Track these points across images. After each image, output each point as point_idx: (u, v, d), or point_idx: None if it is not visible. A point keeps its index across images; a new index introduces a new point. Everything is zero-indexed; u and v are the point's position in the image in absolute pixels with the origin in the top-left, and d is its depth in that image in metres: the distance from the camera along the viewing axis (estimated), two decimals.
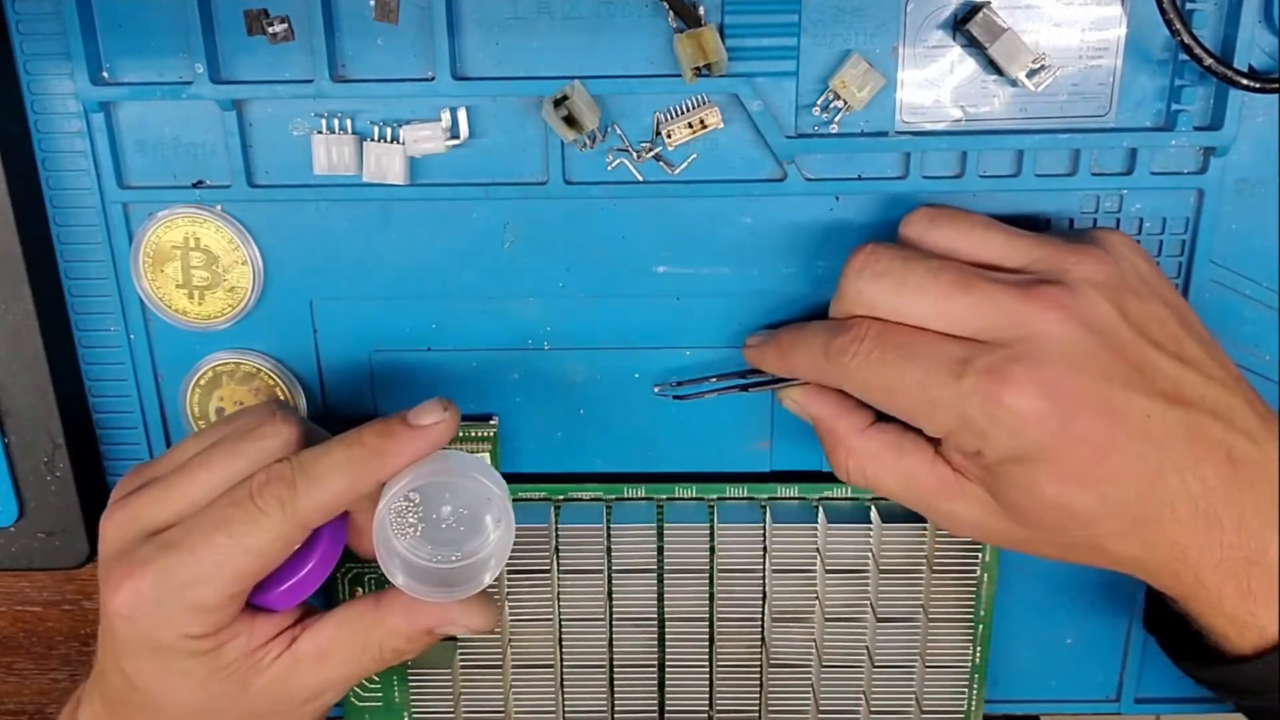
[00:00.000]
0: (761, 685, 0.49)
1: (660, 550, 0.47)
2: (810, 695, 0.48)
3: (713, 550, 0.47)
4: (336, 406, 0.47)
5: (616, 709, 0.49)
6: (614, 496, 0.48)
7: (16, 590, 0.56)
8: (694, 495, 0.48)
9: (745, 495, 0.48)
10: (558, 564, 0.47)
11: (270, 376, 0.47)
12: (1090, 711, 0.52)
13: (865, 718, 0.48)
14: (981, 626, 0.48)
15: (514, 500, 0.46)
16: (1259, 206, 0.44)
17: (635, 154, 0.44)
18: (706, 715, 0.49)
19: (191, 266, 0.45)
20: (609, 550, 0.47)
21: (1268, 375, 0.46)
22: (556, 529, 0.46)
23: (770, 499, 0.47)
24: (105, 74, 0.43)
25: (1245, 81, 0.39)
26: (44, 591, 0.56)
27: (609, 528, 0.46)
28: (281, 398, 0.47)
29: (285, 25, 0.42)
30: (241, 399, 0.47)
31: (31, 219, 0.44)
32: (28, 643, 0.57)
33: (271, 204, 0.44)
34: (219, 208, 0.44)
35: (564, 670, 0.48)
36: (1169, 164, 0.43)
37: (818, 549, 0.47)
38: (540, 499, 0.48)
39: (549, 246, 0.45)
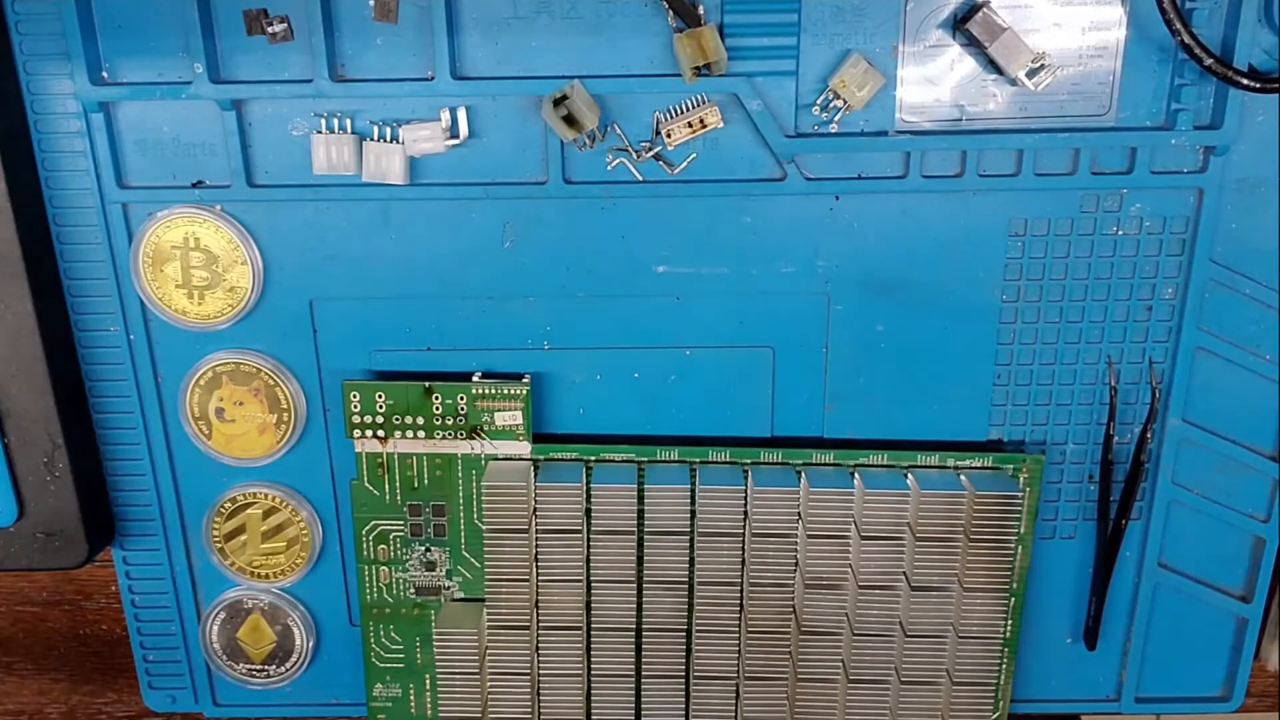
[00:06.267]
0: (791, 652, 0.48)
1: (692, 514, 0.47)
2: (840, 663, 0.48)
3: (746, 515, 0.46)
4: (336, 407, 0.47)
5: (644, 671, 0.49)
6: (647, 459, 0.47)
7: (16, 590, 0.56)
8: (728, 459, 0.47)
9: (780, 460, 0.47)
10: (589, 525, 0.47)
11: (270, 376, 0.47)
12: (1090, 711, 0.52)
13: (895, 687, 0.48)
14: (1015, 599, 0.48)
15: (545, 460, 0.46)
16: (1259, 206, 0.44)
17: (635, 154, 0.44)
18: (734, 679, 0.49)
19: (191, 266, 0.45)
20: (640, 513, 0.46)
21: (1268, 375, 0.46)
22: (589, 489, 0.46)
23: (805, 464, 0.47)
24: (105, 74, 0.43)
25: (1245, 81, 0.39)
26: (43, 591, 0.56)
27: (641, 489, 0.46)
28: (281, 398, 0.47)
29: (285, 25, 0.42)
30: (241, 399, 0.47)
31: (31, 219, 0.44)
32: (27, 643, 0.57)
33: (271, 204, 0.44)
34: (219, 208, 0.44)
35: (592, 631, 0.48)
36: (1169, 163, 0.43)
37: (853, 515, 0.46)
38: (572, 459, 0.47)
39: (549, 246, 0.45)
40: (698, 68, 0.41)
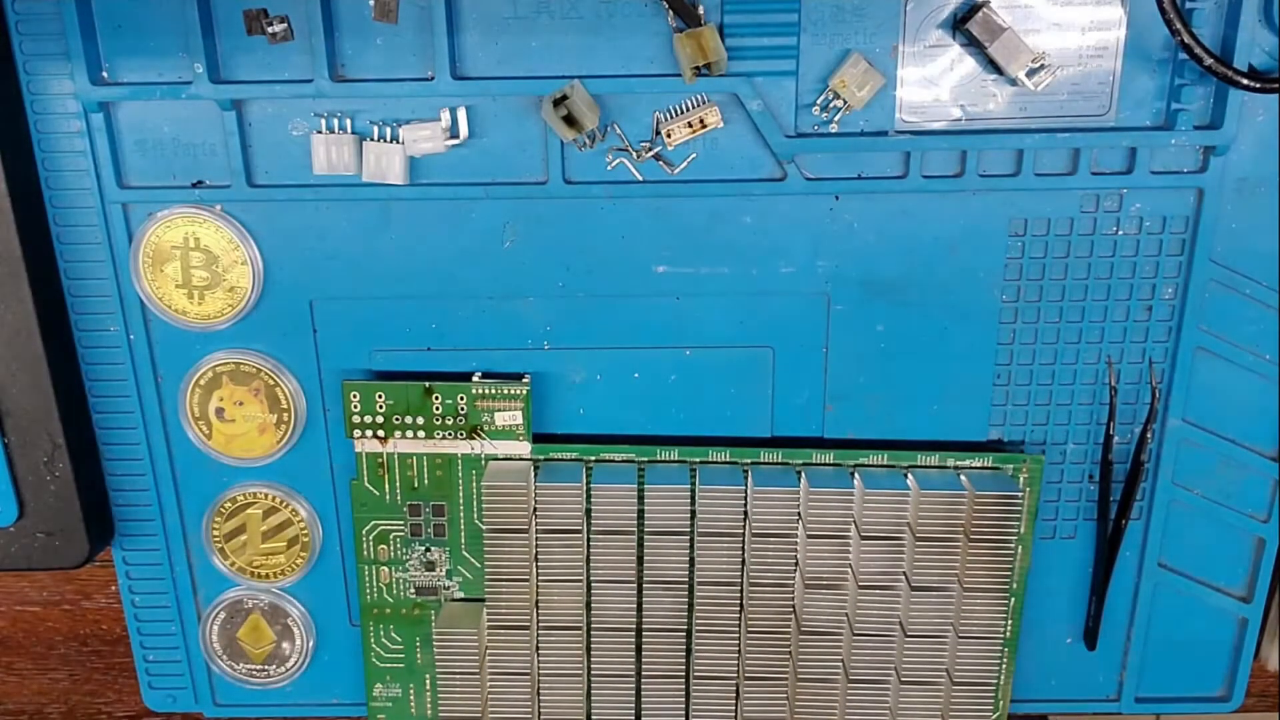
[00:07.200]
0: (791, 652, 0.48)
1: (693, 514, 0.47)
2: (840, 663, 0.48)
3: (746, 515, 0.46)
4: (336, 407, 0.47)
5: (644, 671, 0.49)
6: (647, 459, 0.47)
7: (16, 590, 0.56)
8: (727, 459, 0.47)
9: (780, 460, 0.47)
10: (589, 525, 0.47)
11: (270, 376, 0.47)
12: (1090, 711, 0.52)
13: (895, 687, 0.48)
14: (1015, 599, 0.48)
15: (545, 460, 0.46)
16: (1259, 206, 0.44)
17: (635, 154, 0.44)
18: (734, 679, 0.49)
19: (191, 266, 0.45)
20: (640, 513, 0.46)
21: (1268, 375, 0.46)
22: (589, 489, 0.46)
23: (805, 464, 0.47)
24: (105, 74, 0.43)
25: (1245, 81, 0.39)
26: (43, 591, 0.56)
27: (641, 489, 0.46)
28: (281, 398, 0.47)
29: (285, 25, 0.42)
30: (241, 399, 0.47)
31: (31, 219, 0.44)
32: (27, 643, 0.57)
33: (271, 204, 0.44)
34: (219, 208, 0.44)
35: (592, 631, 0.48)
36: (1169, 163, 0.43)
37: (853, 515, 0.46)
38: (572, 459, 0.47)
39: (549, 246, 0.45)
40: (698, 68, 0.41)
